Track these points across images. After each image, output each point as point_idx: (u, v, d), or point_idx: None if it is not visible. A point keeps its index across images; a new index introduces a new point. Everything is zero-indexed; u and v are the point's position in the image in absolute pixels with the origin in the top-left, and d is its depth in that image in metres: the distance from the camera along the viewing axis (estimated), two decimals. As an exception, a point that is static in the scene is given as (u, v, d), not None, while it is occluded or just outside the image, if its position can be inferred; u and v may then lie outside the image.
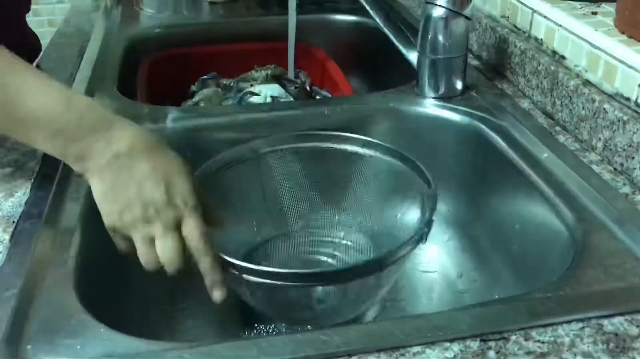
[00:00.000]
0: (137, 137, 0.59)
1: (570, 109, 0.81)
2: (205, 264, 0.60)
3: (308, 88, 1.19)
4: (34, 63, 1.00)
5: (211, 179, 0.76)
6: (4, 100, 0.57)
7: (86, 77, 0.99)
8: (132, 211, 0.58)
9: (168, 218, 0.58)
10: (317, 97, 1.14)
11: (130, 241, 0.60)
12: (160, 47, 1.18)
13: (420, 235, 0.65)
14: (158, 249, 0.59)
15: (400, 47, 0.94)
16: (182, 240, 0.60)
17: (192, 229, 0.59)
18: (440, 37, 0.87)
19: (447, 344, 0.51)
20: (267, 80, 1.16)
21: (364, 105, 0.91)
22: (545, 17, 0.88)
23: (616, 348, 0.51)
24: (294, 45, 1.16)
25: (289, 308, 0.69)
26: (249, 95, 1.13)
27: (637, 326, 0.53)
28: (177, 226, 0.59)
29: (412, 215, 0.78)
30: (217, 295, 0.61)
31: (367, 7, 0.91)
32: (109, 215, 0.59)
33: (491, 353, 0.50)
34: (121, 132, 0.59)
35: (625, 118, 0.71)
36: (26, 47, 0.97)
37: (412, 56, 0.92)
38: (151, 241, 0.59)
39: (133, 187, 0.58)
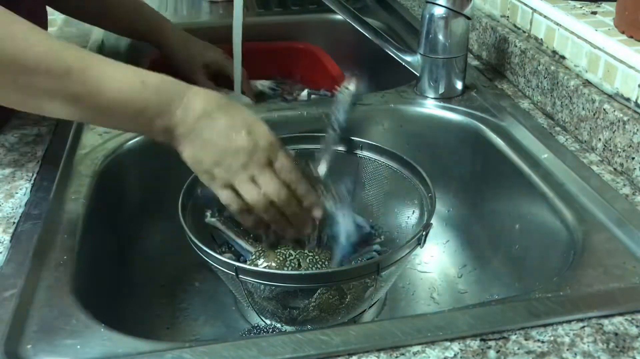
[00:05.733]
0: (210, 99, 0.64)
1: (570, 109, 0.81)
2: (301, 189, 0.66)
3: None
4: None
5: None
6: (88, 92, 0.60)
7: (86, 77, 0.99)
8: (226, 161, 0.63)
9: (259, 157, 0.63)
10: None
11: (232, 190, 0.64)
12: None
13: (419, 238, 0.65)
14: (262, 186, 0.64)
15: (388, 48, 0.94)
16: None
17: (283, 162, 0.65)
18: (441, 37, 0.87)
19: (447, 343, 0.51)
20: None
21: (363, 105, 0.91)
22: (545, 16, 0.88)
23: (616, 348, 0.51)
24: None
25: (286, 308, 0.69)
26: None
27: (637, 326, 0.53)
28: (270, 163, 0.64)
29: (410, 217, 0.78)
30: (317, 213, 0.68)
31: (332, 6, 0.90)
32: (206, 172, 0.64)
33: (491, 353, 0.50)
34: (195, 97, 0.63)
35: (625, 118, 0.71)
36: None
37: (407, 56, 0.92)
38: (252, 180, 0.64)
39: (220, 140, 0.63)
